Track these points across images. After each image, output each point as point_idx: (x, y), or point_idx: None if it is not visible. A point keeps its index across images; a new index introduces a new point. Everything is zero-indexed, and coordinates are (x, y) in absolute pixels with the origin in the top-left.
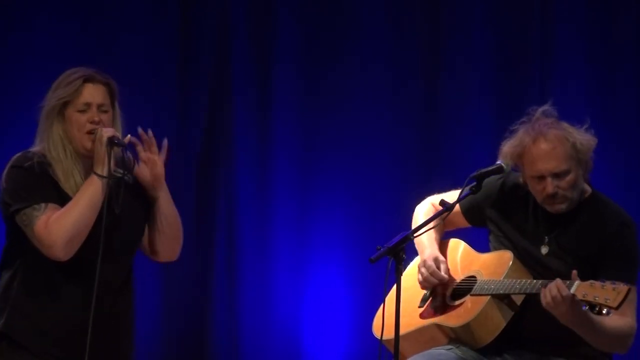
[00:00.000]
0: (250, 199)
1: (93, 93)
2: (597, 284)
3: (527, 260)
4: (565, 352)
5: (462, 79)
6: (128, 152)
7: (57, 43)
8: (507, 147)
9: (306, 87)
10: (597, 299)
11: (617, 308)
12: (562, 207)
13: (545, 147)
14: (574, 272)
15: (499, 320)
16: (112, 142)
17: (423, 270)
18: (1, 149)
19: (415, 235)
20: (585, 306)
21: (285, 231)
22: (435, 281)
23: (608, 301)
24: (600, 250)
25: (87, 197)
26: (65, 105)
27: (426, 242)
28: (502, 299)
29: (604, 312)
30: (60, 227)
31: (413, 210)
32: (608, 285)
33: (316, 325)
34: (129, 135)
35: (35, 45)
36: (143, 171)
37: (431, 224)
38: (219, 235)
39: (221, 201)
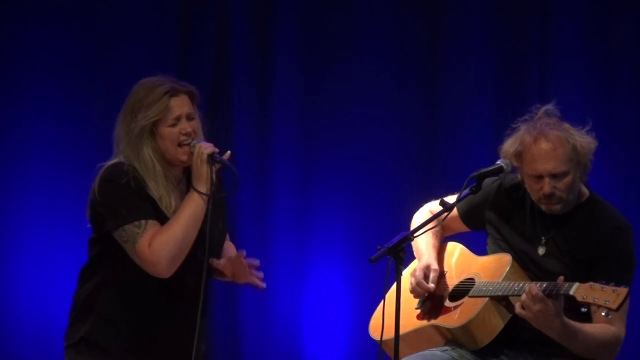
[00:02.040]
0: (250, 199)
1: (181, 105)
2: (597, 285)
3: (525, 262)
4: (562, 354)
5: (461, 79)
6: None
7: (57, 44)
8: (508, 144)
9: (306, 87)
10: (596, 300)
11: (617, 310)
12: (557, 207)
13: (545, 148)
14: (561, 277)
15: (497, 322)
16: (213, 159)
17: (412, 280)
18: (1, 149)
19: (415, 235)
20: (585, 308)
21: (285, 231)
22: (422, 292)
23: (608, 303)
24: (594, 253)
25: (190, 215)
26: (155, 123)
27: (423, 249)
28: (500, 300)
29: (603, 313)
30: (164, 246)
31: (413, 210)
32: (608, 287)
33: (316, 325)
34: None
35: (36, 45)
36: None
37: (431, 225)
38: None
39: None
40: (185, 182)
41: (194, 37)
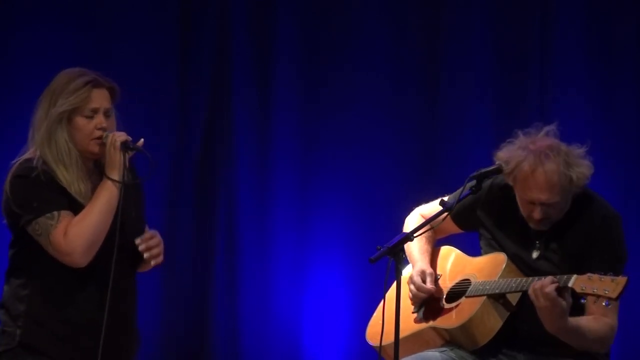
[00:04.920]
0: (250, 199)
1: (100, 98)
2: (595, 276)
3: (518, 263)
4: (561, 353)
5: (462, 79)
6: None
7: (57, 44)
8: (504, 158)
9: (306, 87)
10: (595, 291)
11: (616, 299)
12: (544, 228)
13: (541, 179)
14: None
15: (495, 321)
16: (126, 146)
17: (411, 287)
18: (1, 149)
19: (415, 235)
20: (585, 299)
21: (285, 231)
22: (424, 295)
23: (607, 292)
24: (586, 245)
25: (104, 203)
26: (72, 111)
27: (416, 255)
28: (497, 299)
29: (604, 303)
30: (79, 234)
31: (412, 211)
32: (606, 277)
33: (316, 326)
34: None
35: (36, 45)
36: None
37: (430, 225)
38: (218, 235)
39: (221, 201)
40: (96, 175)
41: (194, 37)
